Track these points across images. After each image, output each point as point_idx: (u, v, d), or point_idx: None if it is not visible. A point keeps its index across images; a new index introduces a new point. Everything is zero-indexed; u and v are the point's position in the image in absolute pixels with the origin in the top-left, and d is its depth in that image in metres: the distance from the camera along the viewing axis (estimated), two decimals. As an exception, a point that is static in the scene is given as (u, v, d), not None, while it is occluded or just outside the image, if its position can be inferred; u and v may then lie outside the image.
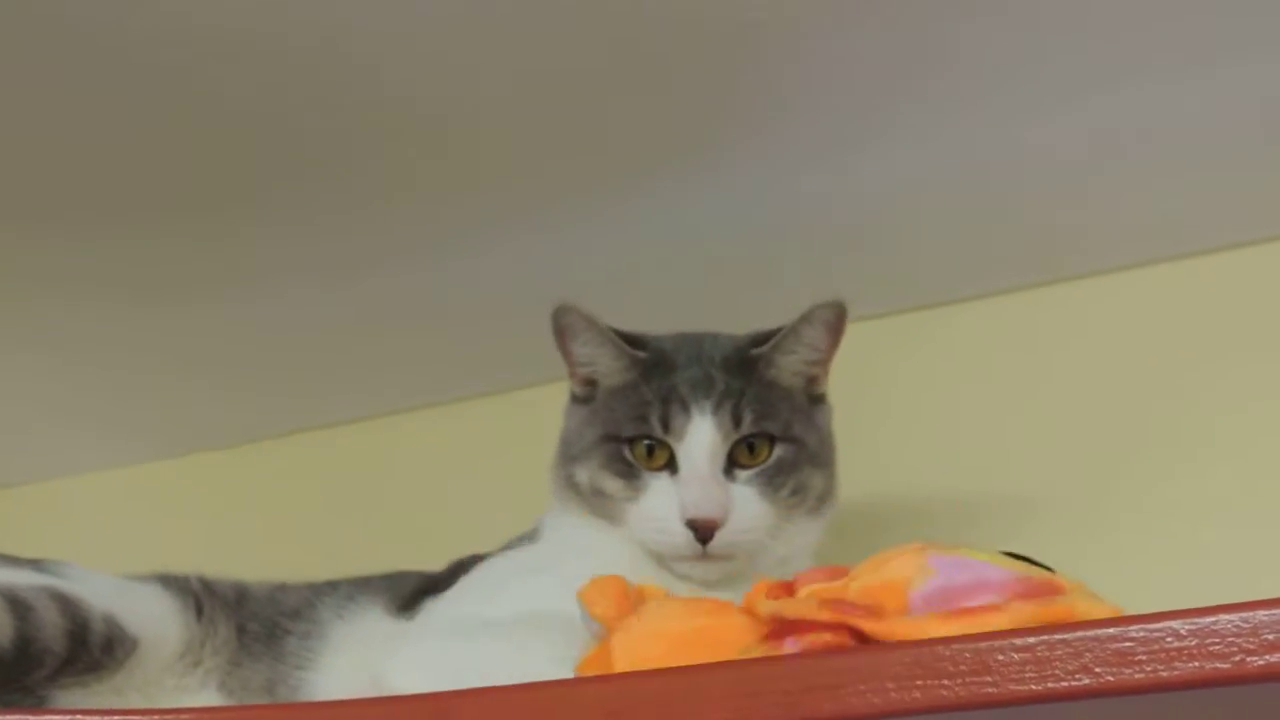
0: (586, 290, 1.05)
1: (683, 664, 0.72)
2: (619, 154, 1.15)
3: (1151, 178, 1.16)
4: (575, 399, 1.06)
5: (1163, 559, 1.17)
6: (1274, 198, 1.19)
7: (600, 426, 1.01)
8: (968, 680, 0.64)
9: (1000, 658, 0.64)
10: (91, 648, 0.92)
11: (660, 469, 0.97)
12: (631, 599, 0.82)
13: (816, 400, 1.05)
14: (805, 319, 1.01)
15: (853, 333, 1.05)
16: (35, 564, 0.99)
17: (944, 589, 0.73)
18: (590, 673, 0.77)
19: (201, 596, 1.02)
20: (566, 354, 1.04)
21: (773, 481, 0.98)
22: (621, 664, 0.76)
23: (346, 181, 1.18)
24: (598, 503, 1.00)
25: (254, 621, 1.02)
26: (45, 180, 1.19)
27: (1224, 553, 1.15)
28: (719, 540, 0.94)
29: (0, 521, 1.68)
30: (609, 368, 1.02)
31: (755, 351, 1.01)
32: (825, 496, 1.02)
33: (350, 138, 1.12)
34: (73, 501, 1.68)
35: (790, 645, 0.73)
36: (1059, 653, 0.63)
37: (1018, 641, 0.64)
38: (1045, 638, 0.64)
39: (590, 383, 1.04)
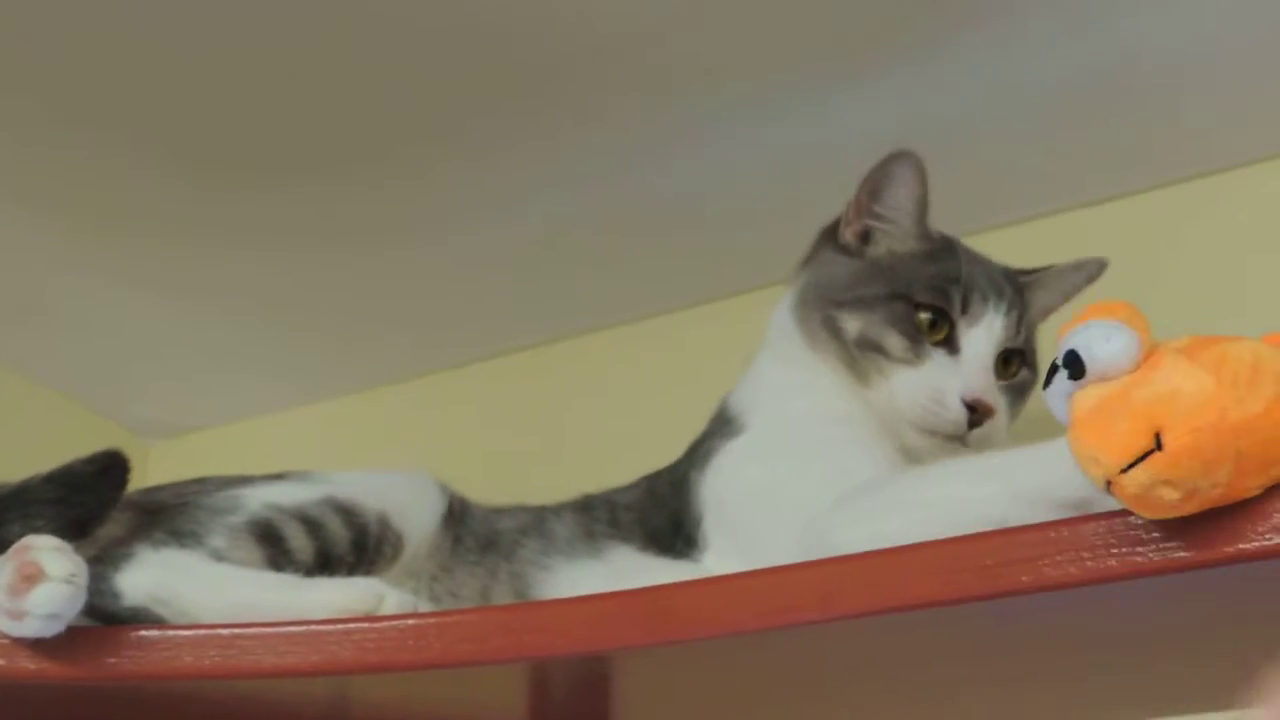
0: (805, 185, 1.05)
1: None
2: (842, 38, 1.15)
3: None
4: (840, 248, 1.04)
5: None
6: None
7: (887, 284, 1.00)
8: (1161, 547, 0.68)
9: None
10: (368, 550, 0.98)
11: (936, 344, 0.98)
12: None
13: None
14: (1077, 267, 1.04)
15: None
16: (284, 477, 1.03)
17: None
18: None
19: (454, 502, 1.07)
20: (873, 196, 1.02)
21: (1014, 400, 0.99)
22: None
23: (537, 109, 1.22)
24: (860, 355, 0.99)
25: (470, 536, 1.05)
26: (234, 132, 1.25)
27: None
28: (984, 429, 0.95)
29: (194, 463, 1.74)
30: (905, 231, 1.02)
31: (1024, 278, 1.04)
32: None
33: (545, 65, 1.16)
34: (260, 441, 1.74)
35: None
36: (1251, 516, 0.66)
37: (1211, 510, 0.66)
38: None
39: (864, 238, 1.04)
